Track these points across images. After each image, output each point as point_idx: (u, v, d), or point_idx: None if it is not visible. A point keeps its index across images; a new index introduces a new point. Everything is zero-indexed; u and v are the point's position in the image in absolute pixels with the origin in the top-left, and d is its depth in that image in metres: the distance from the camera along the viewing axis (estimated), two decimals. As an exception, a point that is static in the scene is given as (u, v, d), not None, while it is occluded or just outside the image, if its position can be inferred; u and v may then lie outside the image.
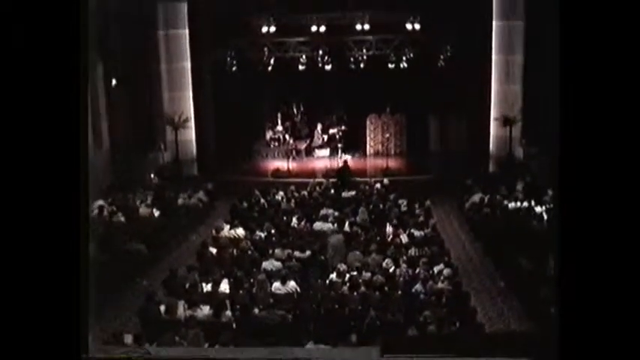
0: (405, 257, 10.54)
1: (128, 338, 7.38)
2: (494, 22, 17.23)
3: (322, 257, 11.03)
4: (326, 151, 20.01)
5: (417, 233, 11.87)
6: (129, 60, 17.21)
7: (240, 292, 9.35)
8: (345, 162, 17.99)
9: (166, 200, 14.94)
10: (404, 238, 11.61)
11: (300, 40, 18.75)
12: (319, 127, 20.47)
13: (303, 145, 20.26)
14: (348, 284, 9.52)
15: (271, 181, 17.44)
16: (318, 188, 15.65)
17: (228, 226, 12.43)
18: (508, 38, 17.18)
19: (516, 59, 17.30)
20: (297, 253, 10.85)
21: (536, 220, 12.33)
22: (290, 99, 20.90)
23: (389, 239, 11.73)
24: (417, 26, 17.84)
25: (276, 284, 9.54)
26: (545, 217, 12.44)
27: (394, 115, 20.14)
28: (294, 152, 19.50)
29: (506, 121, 17.26)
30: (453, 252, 11.97)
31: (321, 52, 18.73)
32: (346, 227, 12.34)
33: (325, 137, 20.34)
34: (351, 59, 18.85)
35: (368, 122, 20.26)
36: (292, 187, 15.48)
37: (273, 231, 12.24)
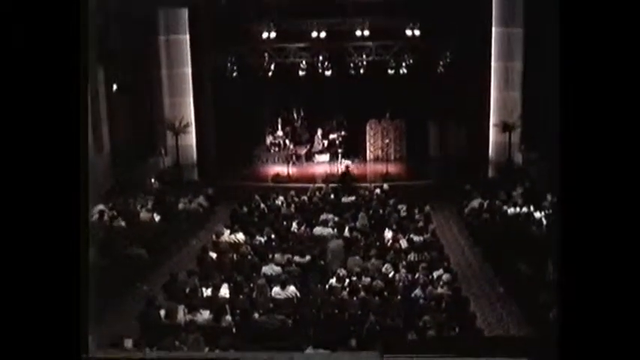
0: (404, 262, 10.52)
1: (128, 343, 7.39)
2: (493, 29, 17.26)
3: (322, 262, 11.03)
4: (326, 157, 20.06)
5: (416, 238, 11.86)
6: (130, 65, 17.25)
7: (240, 296, 9.35)
8: (347, 167, 18.04)
9: (167, 205, 14.94)
10: (403, 243, 11.60)
11: (300, 46, 18.80)
12: (319, 132, 20.52)
13: (303, 151, 20.30)
14: (347, 289, 9.53)
15: (271, 186, 17.46)
16: (318, 193, 15.65)
17: (228, 231, 12.44)
18: (507, 45, 17.21)
19: (515, 66, 17.32)
20: (297, 258, 10.84)
21: (535, 226, 12.31)
22: (290, 104, 20.95)
23: (388, 244, 11.72)
24: (417, 32, 17.89)
25: (276, 289, 9.53)
26: (545, 222, 12.43)
27: (394, 121, 20.19)
28: (294, 157, 19.52)
29: (505, 127, 17.28)
30: (452, 257, 11.95)
31: (321, 57, 18.80)
32: (346, 232, 12.34)
33: (325, 142, 20.39)
34: (351, 65, 18.93)
35: (368, 128, 20.31)
36: (292, 192, 15.47)
37: (273, 236, 12.23)
